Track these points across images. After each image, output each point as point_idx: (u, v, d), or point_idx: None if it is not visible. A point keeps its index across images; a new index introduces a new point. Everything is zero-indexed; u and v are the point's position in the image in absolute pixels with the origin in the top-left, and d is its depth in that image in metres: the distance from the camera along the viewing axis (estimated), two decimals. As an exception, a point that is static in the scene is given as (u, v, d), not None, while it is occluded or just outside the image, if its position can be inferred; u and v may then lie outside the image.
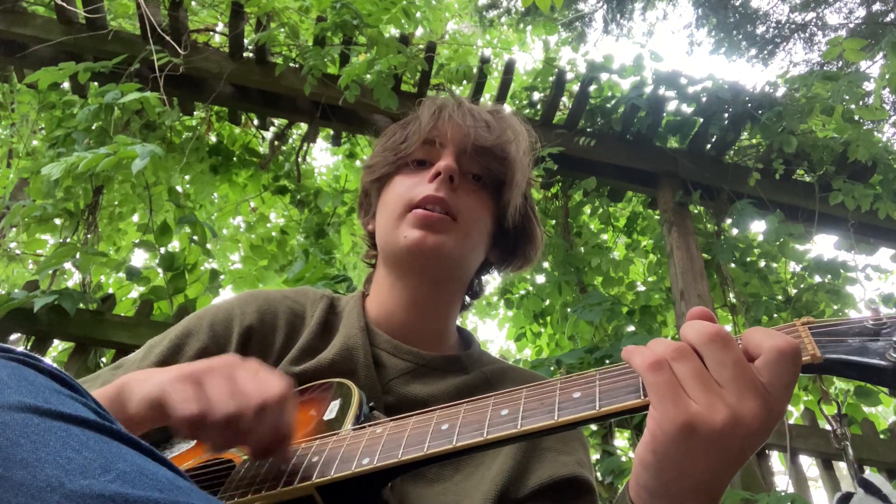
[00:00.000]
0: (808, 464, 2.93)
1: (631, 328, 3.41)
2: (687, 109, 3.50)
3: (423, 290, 0.97)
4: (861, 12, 6.66)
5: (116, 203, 3.52)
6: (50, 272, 2.75)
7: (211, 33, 3.64)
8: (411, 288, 0.97)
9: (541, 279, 3.91)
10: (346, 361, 0.90)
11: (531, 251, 1.07)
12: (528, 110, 3.64)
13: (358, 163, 4.35)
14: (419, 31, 4.34)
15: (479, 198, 0.98)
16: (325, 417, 0.75)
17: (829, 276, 3.54)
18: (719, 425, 0.51)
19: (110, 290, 3.46)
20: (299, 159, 4.17)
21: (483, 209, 0.98)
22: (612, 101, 3.49)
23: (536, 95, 3.67)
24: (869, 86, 4.17)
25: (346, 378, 0.83)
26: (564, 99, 3.54)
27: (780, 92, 3.44)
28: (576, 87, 3.39)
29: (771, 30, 6.95)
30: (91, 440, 0.41)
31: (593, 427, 2.80)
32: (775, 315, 3.38)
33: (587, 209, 4.04)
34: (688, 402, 0.52)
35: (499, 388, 0.86)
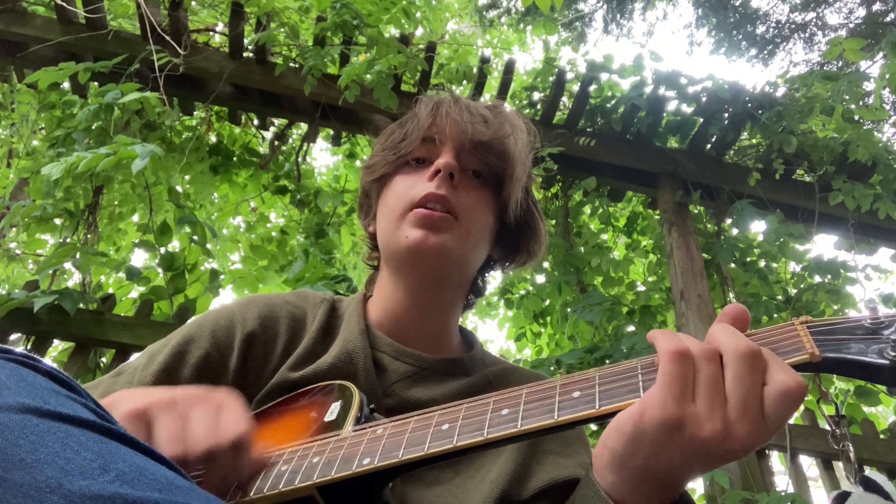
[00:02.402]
0: (808, 464, 2.93)
1: (631, 328, 3.41)
2: (687, 109, 3.51)
3: (425, 289, 0.96)
4: (861, 12, 6.66)
5: (116, 203, 3.52)
6: (50, 272, 2.75)
7: (211, 33, 3.64)
8: (413, 288, 0.96)
9: (541, 279, 3.91)
10: (346, 365, 0.89)
11: (535, 246, 1.06)
12: (528, 110, 3.64)
13: (358, 163, 4.35)
14: (419, 31, 4.35)
15: (479, 194, 0.97)
16: (326, 419, 0.75)
17: (829, 276, 3.54)
18: (708, 435, 0.53)
19: (110, 290, 3.46)
20: (299, 159, 4.17)
21: (484, 206, 0.97)
22: (612, 101, 3.49)
23: (536, 95, 3.67)
24: (869, 86, 4.17)
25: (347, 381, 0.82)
26: (564, 99, 3.54)
27: (780, 92, 3.44)
28: (576, 87, 3.39)
29: (771, 30, 6.95)
30: (90, 441, 0.41)
31: (593, 427, 2.80)
32: (775, 315, 3.38)
33: (587, 209, 4.04)
34: (689, 402, 0.54)
35: (501, 389, 0.86)
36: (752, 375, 0.54)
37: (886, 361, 0.52)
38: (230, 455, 0.62)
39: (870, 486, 0.60)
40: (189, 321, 0.95)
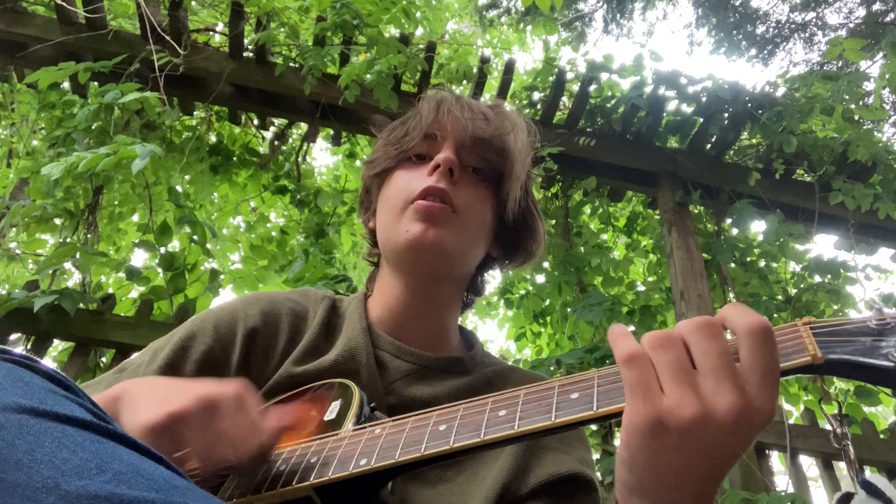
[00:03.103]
0: (808, 464, 2.93)
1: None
2: (687, 109, 3.50)
3: (425, 285, 0.96)
4: (861, 12, 6.66)
5: (116, 203, 3.51)
6: (50, 272, 2.75)
7: (211, 33, 3.64)
8: (412, 283, 0.96)
9: (541, 279, 3.91)
10: (349, 362, 0.90)
11: (533, 245, 1.06)
12: (528, 110, 3.64)
13: (358, 163, 4.35)
14: (419, 31, 4.35)
15: (478, 191, 0.97)
16: (326, 418, 0.75)
17: (829, 276, 3.54)
18: (687, 420, 0.50)
19: (110, 290, 3.46)
20: (299, 159, 4.17)
21: (483, 202, 0.97)
22: (612, 101, 3.49)
23: (536, 95, 3.66)
24: (869, 86, 4.17)
25: (348, 379, 0.82)
26: (564, 99, 3.54)
27: (780, 92, 3.44)
28: (576, 87, 3.38)
29: (771, 30, 6.95)
30: (87, 441, 0.42)
31: (593, 427, 2.80)
32: (775, 315, 3.38)
33: (587, 209, 4.04)
34: (659, 398, 0.51)
35: (500, 389, 0.86)
36: (714, 344, 0.52)
37: (891, 364, 0.51)
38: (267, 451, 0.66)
39: (872, 490, 0.59)
40: (191, 318, 0.96)
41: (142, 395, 0.67)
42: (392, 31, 3.44)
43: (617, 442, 2.86)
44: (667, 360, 0.53)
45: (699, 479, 0.53)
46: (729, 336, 0.56)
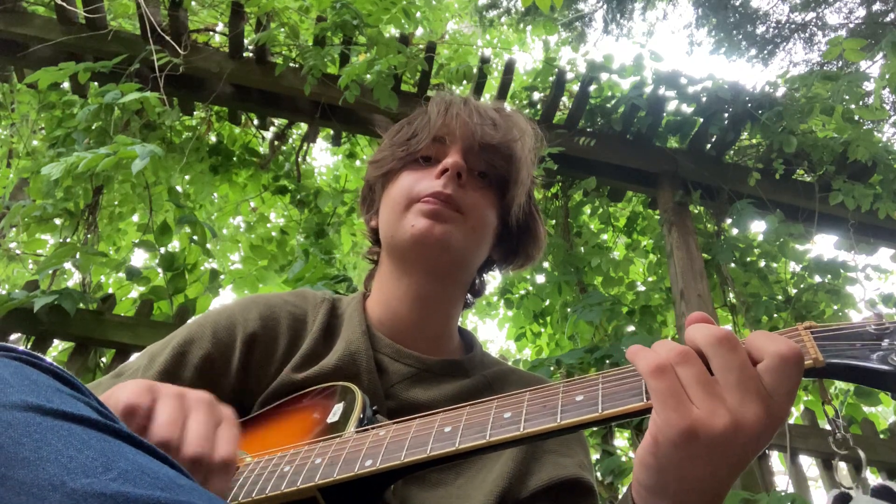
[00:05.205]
0: (808, 464, 2.93)
1: (631, 328, 3.41)
2: (687, 109, 3.50)
3: (428, 285, 0.96)
4: (861, 12, 6.67)
5: (116, 203, 3.51)
6: (50, 272, 2.74)
7: (211, 33, 3.64)
8: (415, 283, 0.96)
9: (541, 279, 3.91)
10: (349, 367, 0.89)
11: (534, 249, 1.07)
12: (528, 110, 3.64)
13: (358, 163, 4.35)
14: (419, 31, 4.35)
15: (484, 195, 0.98)
16: (329, 420, 0.75)
17: (829, 276, 3.54)
18: (720, 431, 0.52)
19: (110, 290, 3.46)
20: (299, 159, 4.17)
21: (488, 206, 0.98)
22: (612, 101, 3.49)
23: (536, 95, 3.66)
24: (869, 86, 4.17)
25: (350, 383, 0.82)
26: (564, 99, 3.54)
27: (780, 92, 3.44)
28: (576, 87, 3.39)
29: (771, 30, 6.95)
30: (93, 439, 0.42)
31: (593, 427, 2.80)
32: (775, 315, 3.38)
33: (587, 209, 4.04)
34: (690, 408, 0.53)
35: (500, 391, 0.86)
36: (735, 357, 0.53)
37: (890, 367, 0.52)
38: (215, 470, 0.61)
39: (888, 494, 0.59)
40: (188, 322, 0.95)
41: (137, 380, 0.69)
42: (392, 31, 3.44)
43: (617, 442, 2.86)
44: (691, 373, 0.54)
45: (721, 483, 0.55)
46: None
